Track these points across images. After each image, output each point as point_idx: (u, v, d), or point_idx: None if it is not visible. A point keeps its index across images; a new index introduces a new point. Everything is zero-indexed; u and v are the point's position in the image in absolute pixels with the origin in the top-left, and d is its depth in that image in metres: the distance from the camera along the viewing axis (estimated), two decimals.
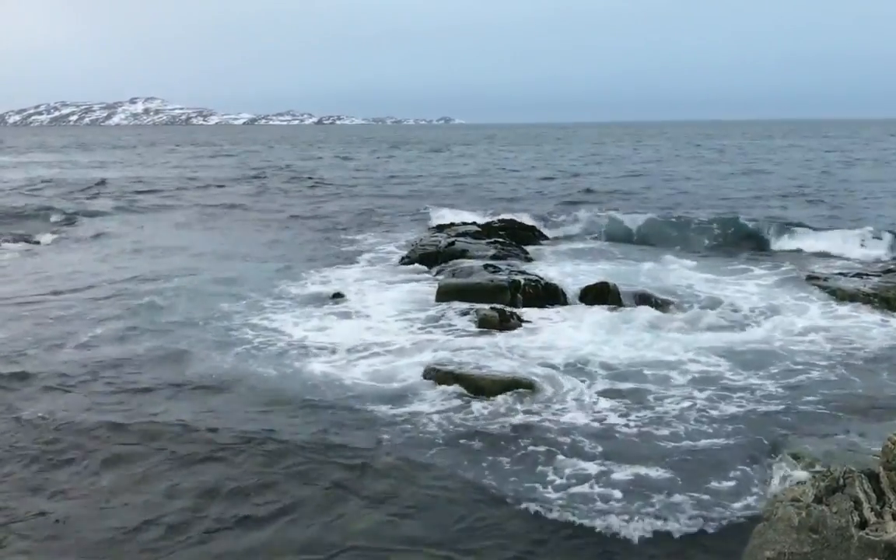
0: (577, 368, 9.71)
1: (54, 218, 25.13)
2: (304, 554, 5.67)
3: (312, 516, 6.18)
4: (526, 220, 22.86)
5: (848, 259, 17.37)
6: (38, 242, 20.21)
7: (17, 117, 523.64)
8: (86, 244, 20.34)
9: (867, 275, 14.46)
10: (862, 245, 18.07)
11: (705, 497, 6.47)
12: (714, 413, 8.29)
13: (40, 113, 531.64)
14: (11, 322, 11.94)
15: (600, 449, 7.40)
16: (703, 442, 7.57)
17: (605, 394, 8.87)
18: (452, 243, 17.84)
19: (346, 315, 12.42)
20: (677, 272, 15.83)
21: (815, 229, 20.23)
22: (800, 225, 20.74)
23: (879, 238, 18.28)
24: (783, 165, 49.03)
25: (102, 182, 38.48)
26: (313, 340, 10.93)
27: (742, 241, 20.11)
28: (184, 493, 6.51)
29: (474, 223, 21.91)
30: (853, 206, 27.09)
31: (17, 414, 8.20)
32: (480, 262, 15.26)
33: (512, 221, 22.72)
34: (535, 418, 8.17)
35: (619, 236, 21.19)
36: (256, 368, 9.76)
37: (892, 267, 15.39)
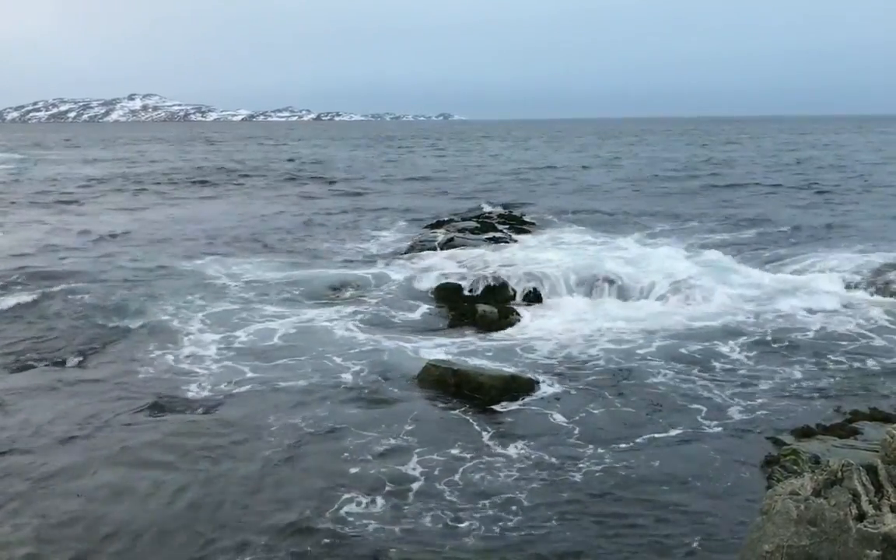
0: (576, 362, 9.73)
1: None
2: None
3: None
4: None
5: None
6: None
7: (16, 114, 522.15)
8: None
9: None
10: None
11: (705, 489, 6.49)
12: (713, 402, 8.33)
13: (38, 110, 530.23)
14: None
15: (599, 440, 7.43)
16: (702, 433, 7.60)
17: (603, 385, 8.90)
18: (451, 239, 17.87)
19: (341, 313, 12.43)
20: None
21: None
22: None
23: None
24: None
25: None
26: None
27: None
28: None
29: (472, 218, 21.94)
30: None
31: None
32: (478, 256, 15.26)
33: (508, 213, 22.88)
34: (534, 412, 8.20)
35: None
36: None
37: None
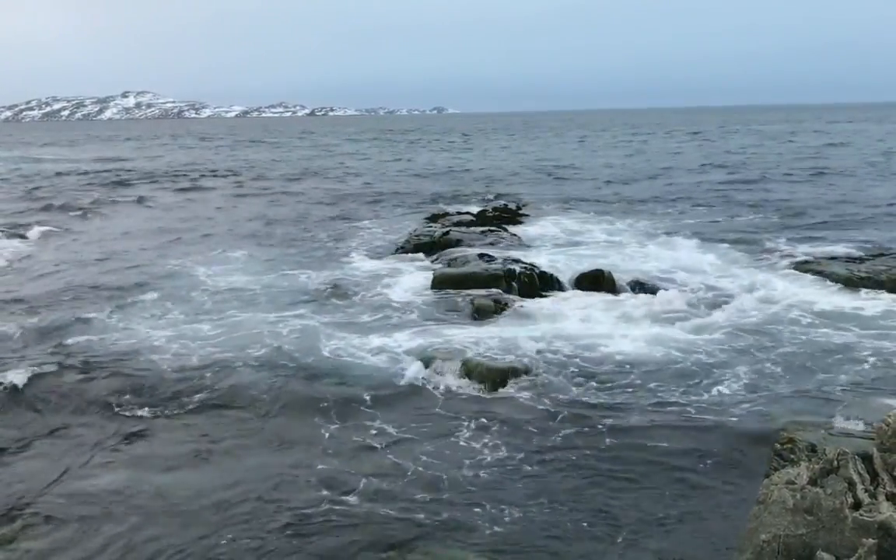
0: (571, 356, 9.74)
1: None
2: None
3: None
4: None
5: None
6: None
7: (9, 113, 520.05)
8: None
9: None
10: None
11: (701, 477, 6.52)
12: (710, 391, 8.35)
13: (31, 109, 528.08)
14: None
15: (597, 428, 7.46)
16: (698, 422, 7.62)
17: (598, 380, 8.92)
18: (447, 233, 17.85)
19: (341, 306, 12.42)
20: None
21: None
22: None
23: None
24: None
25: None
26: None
27: None
28: None
29: (468, 212, 21.93)
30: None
31: None
32: (475, 251, 15.27)
33: (505, 206, 22.88)
34: (532, 402, 8.22)
35: None
36: None
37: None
